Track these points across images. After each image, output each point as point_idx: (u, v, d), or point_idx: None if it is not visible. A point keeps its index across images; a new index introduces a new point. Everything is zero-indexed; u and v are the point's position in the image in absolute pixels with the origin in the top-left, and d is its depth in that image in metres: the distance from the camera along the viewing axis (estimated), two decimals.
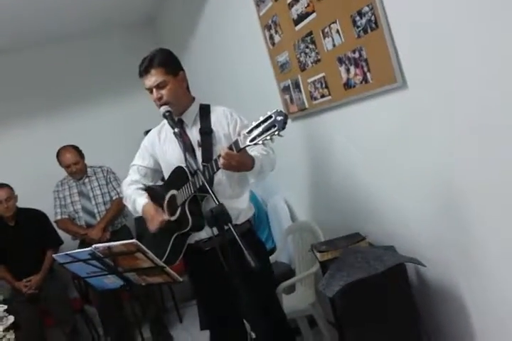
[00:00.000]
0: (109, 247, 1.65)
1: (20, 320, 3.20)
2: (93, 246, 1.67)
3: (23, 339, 3.24)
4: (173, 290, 4.02)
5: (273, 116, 1.46)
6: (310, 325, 2.70)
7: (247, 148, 1.61)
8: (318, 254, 2.08)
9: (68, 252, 1.75)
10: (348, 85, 2.02)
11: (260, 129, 1.48)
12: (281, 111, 1.47)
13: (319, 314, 2.51)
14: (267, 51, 2.65)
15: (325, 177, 2.54)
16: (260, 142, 1.50)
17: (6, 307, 2.22)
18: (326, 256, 2.04)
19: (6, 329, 2.16)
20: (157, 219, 1.92)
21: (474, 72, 1.42)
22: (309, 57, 2.24)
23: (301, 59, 2.31)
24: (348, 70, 1.98)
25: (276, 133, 1.45)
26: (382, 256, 1.83)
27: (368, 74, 1.86)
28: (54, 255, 1.82)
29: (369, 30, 1.75)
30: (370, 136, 2.04)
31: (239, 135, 1.58)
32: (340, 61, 2.00)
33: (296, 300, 2.64)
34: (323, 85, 2.20)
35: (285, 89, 2.60)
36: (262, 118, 1.49)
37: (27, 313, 3.30)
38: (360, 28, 1.79)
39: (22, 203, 3.63)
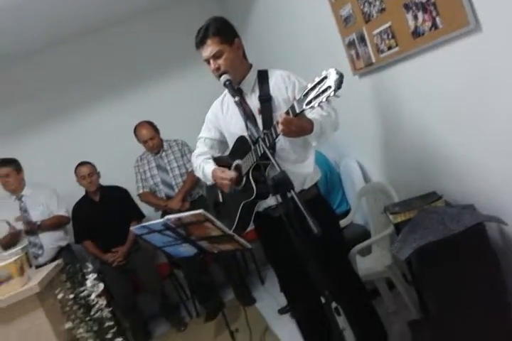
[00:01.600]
0: (179, 218, 1.70)
1: (113, 289, 3.49)
2: (165, 217, 1.73)
3: (116, 306, 3.54)
4: (254, 253, 4.13)
5: (328, 75, 1.40)
6: (389, 287, 2.66)
7: (305, 112, 1.55)
8: (391, 216, 2.01)
9: (144, 224, 1.84)
10: (416, 33, 1.87)
11: (316, 91, 1.42)
12: (336, 70, 1.40)
13: (397, 276, 2.45)
14: (329, 5, 2.50)
15: (397, 135, 2.41)
16: (316, 105, 1.44)
17: (96, 275, 2.39)
18: (399, 218, 1.96)
19: (98, 296, 2.34)
20: (227, 178, 1.93)
21: None
22: (373, 6, 2.09)
23: (365, 9, 2.16)
24: (415, 17, 1.83)
25: (332, 94, 1.38)
26: (459, 216, 1.72)
27: (438, 18, 1.71)
28: (131, 227, 1.92)
29: None
30: (444, 86, 1.88)
31: (295, 99, 1.53)
32: (407, 7, 1.85)
33: (372, 262, 2.59)
34: (390, 36, 2.05)
35: (350, 45, 2.46)
36: (317, 80, 1.43)
37: (117, 282, 3.55)
38: None
39: (106, 180, 3.86)
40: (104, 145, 4.23)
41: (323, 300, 1.56)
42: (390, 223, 2.22)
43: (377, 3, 2.04)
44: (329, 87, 1.38)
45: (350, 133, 2.82)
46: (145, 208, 3.92)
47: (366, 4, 2.14)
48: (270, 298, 3.60)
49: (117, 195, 3.84)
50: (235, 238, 1.71)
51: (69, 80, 4.29)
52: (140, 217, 3.85)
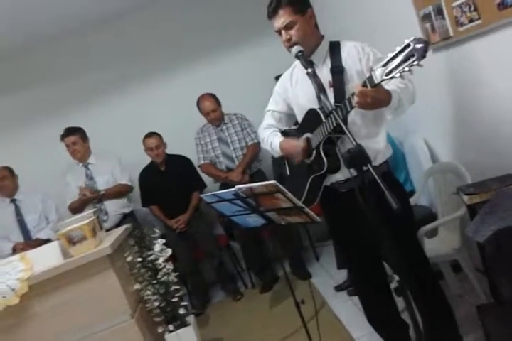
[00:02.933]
0: (250, 188, 1.72)
1: (176, 253, 3.62)
2: (236, 186, 1.76)
3: (178, 270, 3.68)
4: (309, 230, 4.15)
5: (411, 44, 1.33)
6: (454, 270, 2.59)
7: (382, 83, 1.50)
8: (465, 197, 1.94)
9: (214, 192, 1.87)
10: (503, 4, 1.76)
11: (397, 60, 1.37)
12: (420, 38, 1.33)
13: (465, 259, 2.38)
14: None
15: (471, 115, 2.30)
16: (397, 75, 1.39)
17: (164, 241, 2.49)
18: (474, 199, 1.89)
19: (166, 261, 2.44)
20: (297, 149, 1.92)
21: None
22: None
23: None
24: None
25: (415, 63, 1.32)
26: None
27: None
28: (202, 195, 1.97)
29: None
30: None
31: (373, 69, 1.47)
32: None
33: (438, 244, 2.53)
34: (472, 8, 1.94)
35: (425, 17, 2.35)
36: (398, 49, 1.37)
37: (179, 247, 3.68)
38: None
39: (169, 149, 3.96)
40: (167, 116, 4.32)
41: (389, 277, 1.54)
42: (462, 205, 2.16)
43: None
44: (412, 55, 1.32)
45: (417, 111, 2.70)
46: (204, 179, 4.01)
47: None
48: (326, 275, 3.62)
49: (182, 164, 3.95)
50: (305, 210, 1.71)
51: (135, 52, 4.39)
52: (202, 186, 3.96)
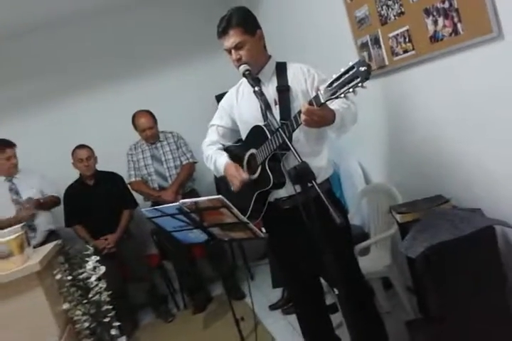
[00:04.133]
0: (195, 202, 1.71)
1: (103, 275, 3.45)
2: (180, 201, 1.73)
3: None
4: (244, 249, 4.14)
5: (355, 66, 1.40)
6: (384, 287, 2.70)
7: (327, 102, 1.57)
8: (397, 216, 2.05)
9: (157, 207, 1.83)
10: (434, 38, 1.91)
11: (342, 82, 1.44)
12: (364, 61, 1.41)
13: (395, 276, 2.49)
14: (345, 6, 2.54)
15: (404, 139, 2.45)
16: (342, 95, 1.46)
17: (98, 258, 2.38)
18: (406, 218, 2.00)
19: (98, 279, 2.32)
20: (238, 178, 1.95)
21: None
22: (392, 9, 2.12)
23: (383, 12, 2.20)
24: (435, 22, 1.87)
25: (359, 84, 1.39)
26: (469, 218, 1.77)
27: (459, 24, 1.75)
28: (143, 209, 1.92)
29: None
30: (458, 93, 1.93)
31: (319, 89, 1.53)
32: (428, 12, 1.89)
33: (370, 262, 2.63)
34: (407, 39, 2.09)
35: (363, 46, 2.50)
36: (343, 70, 1.44)
37: (108, 269, 3.49)
38: None
39: (99, 166, 3.81)
40: (97, 131, 4.16)
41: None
42: (393, 223, 2.26)
43: (396, 6, 2.08)
44: (356, 77, 1.39)
45: (353, 134, 2.81)
46: (135, 197, 3.89)
47: (384, 7, 2.18)
48: (260, 294, 3.61)
49: (112, 180, 3.80)
50: (249, 226, 1.72)
51: (69, 62, 4.24)
52: (134, 205, 3.83)
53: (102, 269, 2.32)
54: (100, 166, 3.81)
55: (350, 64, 1.43)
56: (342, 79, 1.44)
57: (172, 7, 4.43)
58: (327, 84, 1.50)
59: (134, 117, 3.75)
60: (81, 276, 2.32)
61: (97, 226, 3.66)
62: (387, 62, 2.32)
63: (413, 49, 2.08)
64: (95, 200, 3.65)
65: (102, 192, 3.69)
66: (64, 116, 4.21)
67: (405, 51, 2.14)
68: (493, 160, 1.85)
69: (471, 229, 1.69)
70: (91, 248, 2.41)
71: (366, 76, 1.38)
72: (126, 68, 4.34)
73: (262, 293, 3.63)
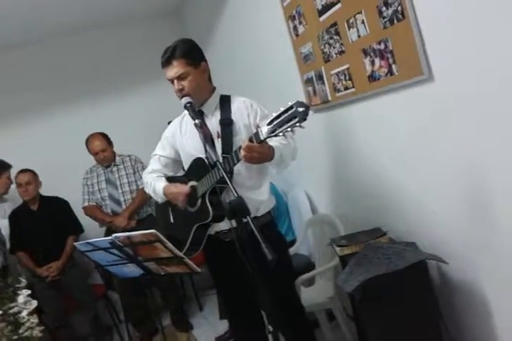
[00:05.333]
0: (128, 237, 1.67)
1: (44, 305, 3.30)
2: (113, 235, 1.69)
3: (47, 323, 3.35)
4: (194, 279, 4.07)
5: (294, 106, 1.44)
6: (329, 318, 2.69)
7: (267, 139, 1.59)
8: (337, 249, 2.07)
9: (89, 241, 1.78)
10: (372, 77, 1.97)
11: (281, 120, 1.47)
12: (302, 102, 1.45)
13: (338, 308, 2.50)
14: (291, 42, 2.61)
15: (347, 171, 2.51)
16: (281, 134, 1.49)
17: (30, 292, 2.27)
18: (345, 251, 2.02)
19: (30, 314, 2.21)
20: (181, 192, 1.93)
21: (506, 68, 1.36)
22: (333, 48, 2.20)
23: (325, 50, 2.27)
24: (372, 62, 1.94)
25: (297, 124, 1.43)
26: (403, 253, 1.81)
27: (394, 66, 1.82)
28: (75, 243, 1.86)
29: (395, 21, 1.70)
30: (395, 129, 1.99)
31: (259, 126, 1.56)
32: (365, 52, 1.96)
33: (315, 293, 2.63)
34: (347, 77, 2.16)
35: (308, 81, 2.56)
36: (282, 109, 1.47)
37: (50, 298, 3.37)
38: (386, 19, 1.75)
39: (51, 190, 3.72)
40: (50, 154, 4.09)
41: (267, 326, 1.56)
42: (335, 255, 2.28)
43: (337, 45, 2.16)
44: (295, 117, 1.43)
45: (300, 165, 2.86)
46: (89, 222, 3.77)
47: (327, 45, 2.25)
48: (208, 326, 3.55)
49: (57, 205, 3.68)
50: (185, 261, 1.69)
51: (22, 83, 4.18)
52: (79, 231, 3.71)
53: (34, 303, 2.21)
54: (53, 191, 3.71)
55: (290, 104, 1.46)
56: (281, 117, 1.47)
57: (128, 33, 4.47)
58: (267, 121, 1.53)
59: (87, 140, 3.65)
60: (11, 311, 2.20)
61: (41, 253, 3.52)
62: (330, 98, 2.39)
63: (353, 86, 2.14)
64: (39, 226, 3.52)
65: (46, 218, 3.57)
66: (20, 138, 4.11)
67: (346, 88, 2.21)
68: (426, 194, 1.91)
69: (404, 264, 1.73)
70: (24, 280, 2.29)
71: (304, 117, 1.42)
72: (82, 92, 4.32)
73: (210, 324, 3.57)
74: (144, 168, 3.67)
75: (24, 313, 2.18)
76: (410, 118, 1.88)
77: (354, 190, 2.47)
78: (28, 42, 4.08)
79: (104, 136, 3.68)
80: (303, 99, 2.62)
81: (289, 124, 1.45)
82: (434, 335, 1.81)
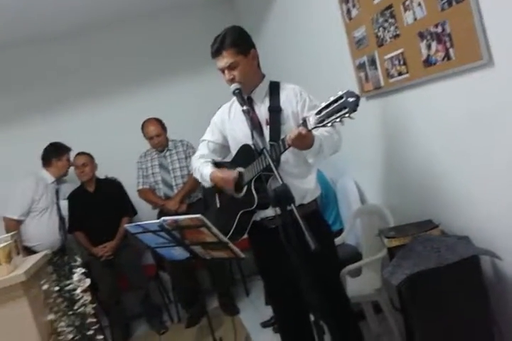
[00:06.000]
0: (176, 220, 1.70)
1: (98, 283, 3.47)
2: (162, 218, 1.74)
3: (101, 300, 3.52)
4: (241, 264, 4.12)
5: (344, 96, 1.41)
6: (375, 310, 2.65)
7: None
8: (385, 240, 2.02)
9: (139, 223, 1.84)
10: (428, 62, 1.89)
11: (330, 110, 1.44)
12: (352, 92, 1.41)
13: (385, 300, 2.45)
14: (344, 26, 2.54)
15: (400, 160, 2.43)
16: (329, 124, 1.46)
17: (84, 270, 2.39)
18: (393, 243, 1.97)
19: (83, 291, 2.33)
20: (228, 178, 1.94)
21: None
22: (388, 31, 2.11)
23: (379, 34, 2.19)
24: (429, 46, 1.85)
25: (347, 115, 1.39)
26: (454, 246, 1.73)
27: (451, 50, 1.73)
28: (126, 225, 1.92)
29: (454, 3, 1.61)
30: (451, 117, 1.90)
31: (307, 116, 1.54)
32: (422, 36, 1.87)
33: (361, 284, 2.59)
34: (401, 62, 2.08)
35: (360, 66, 2.49)
36: (332, 99, 1.44)
37: (103, 276, 3.53)
38: (444, 1, 1.66)
39: (108, 173, 3.89)
40: (108, 138, 4.21)
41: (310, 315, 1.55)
42: (383, 246, 2.23)
43: (392, 28, 2.07)
44: (344, 107, 1.39)
45: (350, 153, 2.83)
46: (143, 205, 3.90)
47: (381, 29, 2.17)
48: (254, 310, 3.59)
49: (112, 188, 3.84)
50: (230, 246, 1.71)
51: (81, 71, 4.33)
52: (132, 213, 3.85)
53: (87, 282, 2.32)
54: (112, 173, 3.89)
55: (340, 93, 1.44)
56: (331, 107, 1.45)
57: (182, 18, 4.51)
58: (316, 111, 1.50)
59: (143, 125, 3.79)
60: (67, 287, 2.32)
61: (96, 233, 3.69)
62: (382, 84, 2.31)
63: (407, 72, 2.06)
64: (95, 207, 3.69)
65: (102, 199, 3.73)
66: (80, 125, 4.27)
67: (400, 73, 2.13)
68: (483, 187, 1.81)
69: (455, 258, 1.66)
70: (79, 259, 2.41)
71: (354, 108, 1.40)
72: (139, 78, 4.42)
73: (256, 309, 3.60)
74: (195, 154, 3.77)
75: (78, 290, 2.30)
76: (467, 105, 1.78)
77: (405, 180, 2.39)
78: (91, 27, 4.23)
79: (159, 122, 3.78)
80: (355, 85, 2.55)
81: (338, 115, 1.43)
82: (484, 333, 1.73)
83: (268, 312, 3.36)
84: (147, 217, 3.61)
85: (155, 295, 3.92)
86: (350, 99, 1.39)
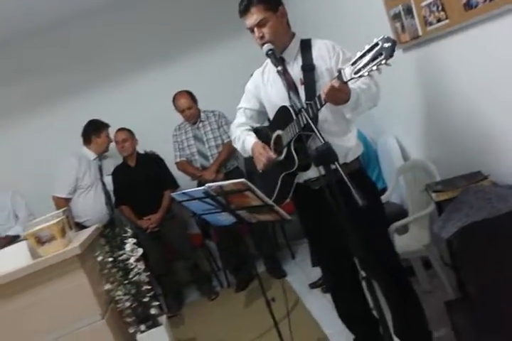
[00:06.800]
0: (220, 186, 1.71)
1: (147, 254, 3.58)
2: (206, 184, 1.75)
3: (150, 271, 3.64)
4: (285, 228, 4.16)
5: (380, 43, 1.35)
6: (425, 266, 2.63)
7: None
8: (433, 194, 1.97)
9: (185, 191, 1.86)
10: (469, 5, 1.78)
11: (366, 59, 1.38)
12: (388, 37, 1.35)
13: (434, 256, 2.43)
14: None
15: (440, 112, 2.34)
16: (366, 74, 1.40)
17: (135, 240, 2.47)
18: (442, 196, 1.93)
19: (137, 260, 2.41)
20: (265, 156, 1.93)
21: None
22: None
23: None
24: None
25: (383, 62, 1.34)
26: (507, 196, 1.67)
27: None
28: (172, 193, 1.95)
29: None
30: (495, 62, 1.81)
31: (343, 68, 1.49)
32: None
33: (409, 240, 2.57)
34: (440, 8, 1.97)
35: (395, 17, 2.37)
36: (367, 47, 1.39)
37: (151, 248, 3.63)
38: None
39: (147, 147, 3.94)
40: (146, 112, 4.26)
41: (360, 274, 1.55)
42: (431, 202, 2.19)
43: None
44: (380, 54, 1.34)
45: (389, 109, 2.75)
46: (182, 177, 3.96)
47: None
48: (300, 273, 3.64)
49: (152, 162, 3.90)
50: (275, 209, 1.71)
51: (108, 49, 4.36)
52: (174, 186, 3.90)
53: (140, 251, 2.40)
54: (149, 147, 3.94)
55: (375, 40, 1.38)
56: (366, 56, 1.39)
57: None
58: (351, 62, 1.46)
59: (174, 98, 3.81)
60: (121, 258, 2.41)
61: (140, 206, 3.77)
62: (420, 33, 2.20)
63: (446, 18, 1.95)
64: (137, 181, 3.76)
65: (144, 173, 3.79)
66: (113, 101, 4.32)
67: (439, 20, 2.02)
68: None
69: (508, 208, 1.61)
70: (130, 230, 2.49)
71: (390, 53, 1.34)
72: (167, 52, 4.41)
73: (303, 272, 3.65)
74: (227, 123, 3.76)
75: (132, 260, 2.39)
76: None
77: (448, 132, 2.31)
78: (121, 4, 4.22)
79: (189, 94, 3.79)
80: (390, 36, 2.44)
81: (374, 63, 1.37)
82: None
83: (315, 273, 3.41)
84: (186, 188, 3.66)
85: (203, 264, 4.03)
86: (386, 45, 1.34)
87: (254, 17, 1.87)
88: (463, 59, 2.00)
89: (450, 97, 2.21)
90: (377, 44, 1.37)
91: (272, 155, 1.92)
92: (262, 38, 1.89)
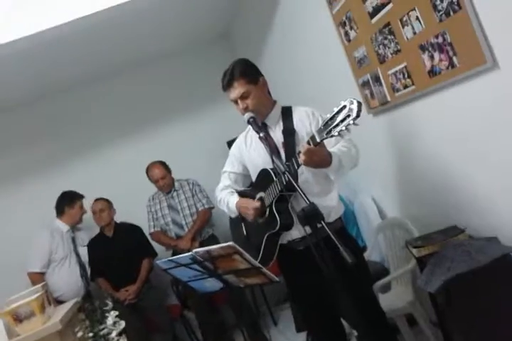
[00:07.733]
0: (208, 251, 1.70)
1: (126, 327, 3.40)
2: (193, 250, 1.74)
3: None
4: (266, 293, 4.06)
5: (347, 105, 1.45)
6: (409, 324, 2.60)
7: (327, 146, 1.60)
8: (414, 250, 2.01)
9: (171, 258, 1.84)
10: (432, 72, 1.94)
11: (336, 121, 1.48)
12: (354, 100, 1.46)
13: (419, 312, 2.41)
14: (343, 48, 2.62)
15: (412, 171, 2.45)
16: (336, 134, 1.49)
17: (117, 313, 2.36)
18: (423, 251, 1.96)
19: (119, 334, 2.30)
20: (249, 207, 1.96)
21: None
22: (388, 48, 2.18)
23: (380, 51, 2.26)
24: (431, 57, 1.91)
25: (351, 122, 1.43)
26: (484, 248, 1.73)
27: (454, 58, 1.78)
28: (158, 261, 1.92)
29: (451, 13, 1.68)
30: (461, 123, 1.94)
31: (315, 130, 1.58)
32: (423, 48, 1.93)
33: (392, 298, 2.55)
34: (406, 75, 2.13)
35: (364, 84, 2.55)
36: (336, 110, 1.49)
37: (129, 320, 3.43)
38: (441, 12, 1.72)
39: (122, 218, 3.89)
40: (120, 183, 4.28)
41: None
42: (411, 258, 2.22)
43: (392, 44, 2.14)
44: (348, 115, 1.43)
45: (364, 171, 2.84)
46: (157, 246, 3.90)
47: (381, 46, 2.24)
48: (284, 340, 3.51)
49: (130, 231, 3.84)
50: (263, 271, 1.70)
51: (85, 119, 4.46)
52: (153, 254, 3.82)
53: (122, 324, 2.30)
54: (124, 218, 3.89)
55: (342, 103, 1.48)
56: (335, 118, 1.49)
57: (179, 60, 4.63)
58: (322, 124, 1.55)
59: (147, 169, 3.83)
60: (102, 332, 2.29)
61: (117, 278, 3.67)
62: (389, 99, 2.36)
63: (413, 84, 2.11)
64: (115, 251, 3.68)
65: (121, 243, 3.72)
66: (87, 171, 4.37)
67: (405, 86, 2.18)
68: (498, 186, 1.83)
69: (486, 260, 1.65)
70: (110, 303, 2.39)
71: (357, 114, 1.43)
72: (141, 124, 4.54)
73: (287, 338, 3.53)
74: (201, 191, 3.82)
75: (114, 334, 2.27)
76: (475, 109, 1.82)
77: (422, 189, 2.40)
78: (95, 78, 4.39)
79: (163, 164, 3.83)
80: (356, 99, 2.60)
81: (344, 123, 1.46)
82: None
83: (299, 339, 3.30)
84: (161, 258, 3.59)
85: (183, 335, 3.85)
86: (353, 106, 1.44)
87: (237, 91, 1.98)
88: (431, 121, 2.14)
89: (419, 156, 2.33)
90: (344, 106, 1.47)
91: (255, 202, 1.96)
92: (246, 108, 1.99)
